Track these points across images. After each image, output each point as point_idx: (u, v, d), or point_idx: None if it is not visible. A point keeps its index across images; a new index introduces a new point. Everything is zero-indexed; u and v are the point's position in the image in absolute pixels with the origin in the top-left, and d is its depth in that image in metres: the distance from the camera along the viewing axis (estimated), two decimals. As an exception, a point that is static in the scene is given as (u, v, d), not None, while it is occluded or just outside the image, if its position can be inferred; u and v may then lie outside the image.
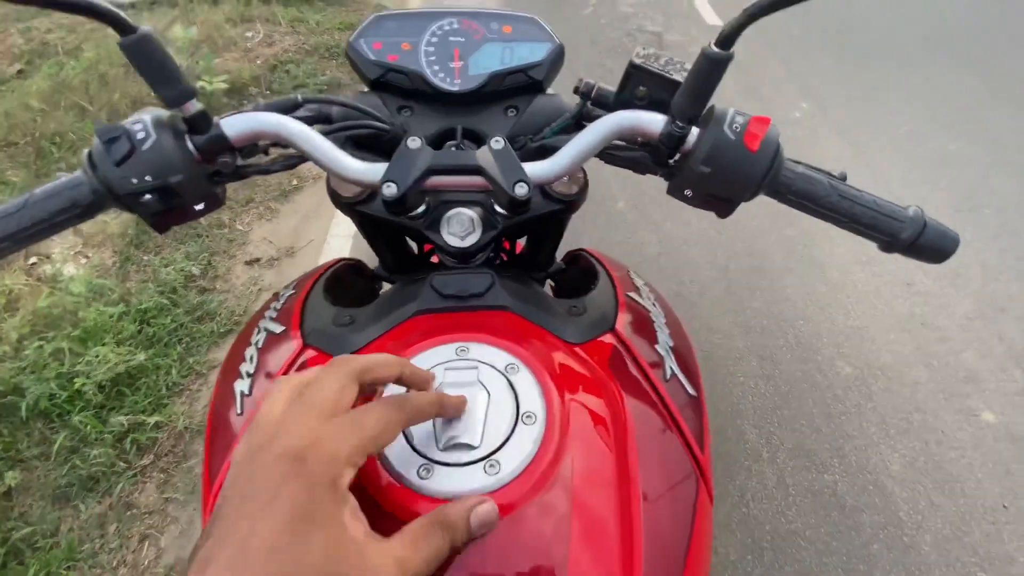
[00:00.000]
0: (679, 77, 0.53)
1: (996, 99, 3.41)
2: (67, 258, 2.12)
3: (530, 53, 0.63)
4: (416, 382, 0.37)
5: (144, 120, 0.45)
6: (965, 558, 1.44)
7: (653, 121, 0.51)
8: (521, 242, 0.90)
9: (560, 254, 0.82)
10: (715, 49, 0.45)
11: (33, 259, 2.13)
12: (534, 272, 0.81)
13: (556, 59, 0.64)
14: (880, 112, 3.27)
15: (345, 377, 0.31)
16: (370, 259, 0.78)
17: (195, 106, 0.46)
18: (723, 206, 0.52)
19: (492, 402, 0.40)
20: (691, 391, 0.51)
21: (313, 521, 0.25)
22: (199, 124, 0.47)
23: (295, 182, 2.61)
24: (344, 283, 0.70)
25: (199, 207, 0.49)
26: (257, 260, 2.21)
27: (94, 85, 2.90)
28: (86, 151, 0.46)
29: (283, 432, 0.27)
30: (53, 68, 3.23)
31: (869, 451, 1.64)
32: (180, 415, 1.68)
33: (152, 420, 1.63)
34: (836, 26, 4.35)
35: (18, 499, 1.52)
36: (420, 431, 0.39)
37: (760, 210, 2.49)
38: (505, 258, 0.90)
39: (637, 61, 0.54)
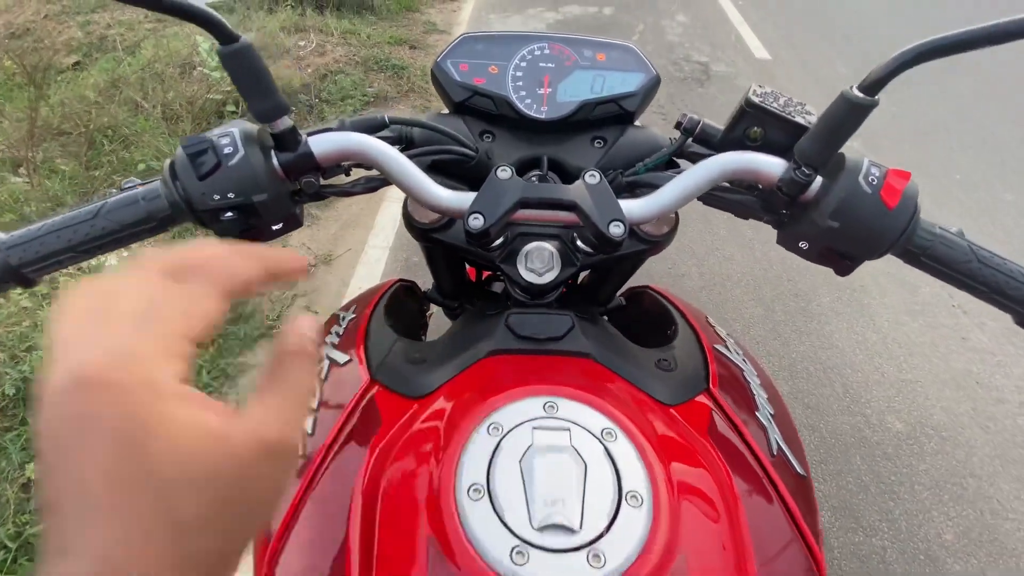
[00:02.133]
0: (801, 120, 0.48)
1: (1056, 151, 3.29)
2: (109, 251, 2.14)
3: (622, 83, 0.59)
4: (287, 272, 0.28)
5: (232, 133, 0.42)
6: (1020, 641, 1.34)
7: (772, 165, 0.47)
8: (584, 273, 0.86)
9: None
10: (858, 93, 0.40)
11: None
12: (592, 307, 0.76)
13: (650, 90, 0.60)
14: (932, 157, 3.17)
15: (148, 279, 0.23)
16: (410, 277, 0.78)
17: (286, 123, 0.43)
18: (844, 264, 0.47)
19: (589, 475, 0.36)
20: (799, 470, 0.46)
21: (147, 444, 0.19)
22: (287, 141, 0.44)
23: (336, 190, 2.62)
24: (397, 304, 0.67)
25: (276, 227, 0.46)
26: (293, 266, 2.21)
27: (150, 83, 2.95)
28: (168, 161, 0.43)
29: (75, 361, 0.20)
30: (110, 63, 3.32)
31: (921, 517, 1.54)
32: (207, 418, 1.66)
33: (179, 421, 1.61)
34: (888, 67, 4.26)
35: (36, 492, 1.50)
36: (511, 503, 0.34)
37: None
38: (564, 291, 0.86)
39: (755, 100, 0.49)
